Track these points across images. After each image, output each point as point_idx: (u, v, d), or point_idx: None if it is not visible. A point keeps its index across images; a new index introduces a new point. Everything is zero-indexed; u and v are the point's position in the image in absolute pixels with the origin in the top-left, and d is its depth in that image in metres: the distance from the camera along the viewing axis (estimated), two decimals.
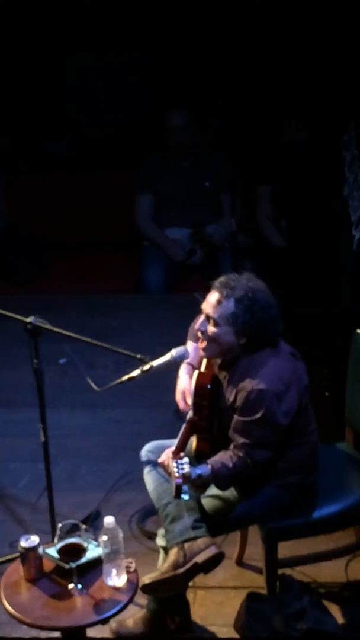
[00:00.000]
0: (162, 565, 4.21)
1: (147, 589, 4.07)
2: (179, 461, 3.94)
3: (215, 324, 4.05)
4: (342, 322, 5.42)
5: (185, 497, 3.93)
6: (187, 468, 3.91)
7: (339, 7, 6.74)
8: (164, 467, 4.13)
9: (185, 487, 3.91)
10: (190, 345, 4.36)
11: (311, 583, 4.52)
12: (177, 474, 3.90)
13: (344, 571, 4.59)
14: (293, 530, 4.28)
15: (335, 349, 5.29)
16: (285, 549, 4.35)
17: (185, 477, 3.90)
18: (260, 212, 6.82)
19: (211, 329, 4.07)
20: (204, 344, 4.12)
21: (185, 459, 3.95)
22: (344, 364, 4.64)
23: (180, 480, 3.89)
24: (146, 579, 4.07)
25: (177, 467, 3.92)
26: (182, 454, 4.03)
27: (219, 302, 4.04)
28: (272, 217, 6.78)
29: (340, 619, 4.30)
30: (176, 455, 4.03)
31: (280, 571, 4.31)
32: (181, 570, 4.02)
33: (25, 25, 7.28)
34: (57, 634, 3.93)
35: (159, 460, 4.16)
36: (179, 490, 3.91)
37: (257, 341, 4.05)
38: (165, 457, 4.11)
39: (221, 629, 4.33)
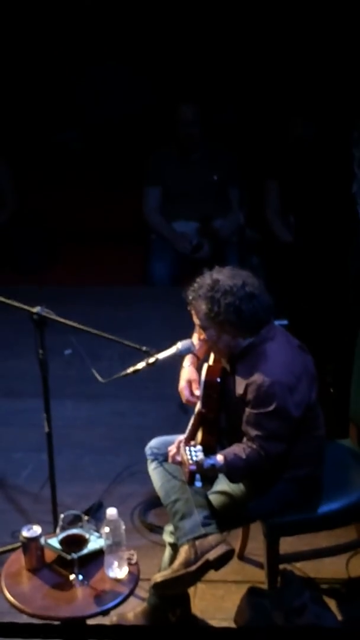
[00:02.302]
0: (167, 561, 4.23)
1: (159, 587, 4.08)
2: (192, 448, 3.93)
3: (204, 329, 4.09)
4: (347, 318, 5.41)
5: (199, 484, 3.91)
6: (200, 455, 3.90)
7: (348, 3, 6.73)
8: (174, 458, 4.12)
9: (198, 475, 3.90)
10: (195, 339, 4.37)
11: (312, 579, 4.52)
12: (190, 461, 3.89)
13: (345, 568, 4.59)
14: (295, 526, 4.28)
15: (340, 345, 5.29)
16: (287, 545, 4.34)
17: (199, 464, 3.89)
18: (268, 207, 6.80)
19: (203, 335, 4.13)
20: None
21: (199, 447, 3.95)
22: (348, 360, 4.64)
23: (194, 467, 3.88)
24: (158, 577, 4.08)
25: (191, 454, 3.90)
26: (193, 442, 4.03)
27: (193, 307, 4.09)
28: (280, 213, 6.76)
29: (340, 616, 4.30)
30: (187, 443, 4.04)
31: (281, 566, 4.31)
32: (193, 567, 4.02)
33: (36, 20, 7.29)
34: None
35: (170, 448, 4.16)
36: (192, 477, 3.89)
37: (243, 326, 4.04)
38: (176, 445, 4.11)
39: (221, 623, 4.32)
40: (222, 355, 4.18)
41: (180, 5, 7.20)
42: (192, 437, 4.12)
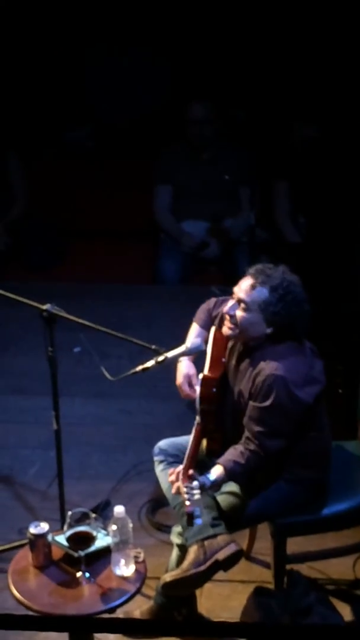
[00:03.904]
0: (175, 562, 4.22)
1: (168, 587, 4.07)
2: (190, 486, 3.90)
3: (246, 309, 4.03)
4: (357, 319, 5.41)
5: (199, 521, 3.88)
6: (197, 495, 3.87)
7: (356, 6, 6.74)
8: (174, 485, 4.11)
9: (198, 512, 3.86)
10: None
11: (318, 579, 4.51)
12: (187, 502, 3.86)
13: (352, 569, 4.59)
14: (302, 527, 4.28)
15: (349, 346, 5.29)
16: (294, 545, 4.35)
17: (197, 502, 3.88)
18: (278, 208, 6.79)
19: (240, 313, 4.04)
20: (230, 326, 4.10)
21: (195, 483, 3.91)
22: (358, 361, 4.63)
23: (191, 509, 3.85)
24: (167, 577, 4.07)
25: (189, 495, 3.87)
26: (191, 472, 3.97)
27: (252, 287, 4.02)
28: (289, 213, 6.75)
29: (347, 616, 4.30)
30: (186, 473, 3.98)
31: (288, 567, 4.31)
32: (202, 567, 4.01)
33: (48, 15, 7.29)
34: None
35: (169, 477, 4.14)
36: (191, 518, 3.86)
37: (284, 333, 4.04)
38: (176, 476, 4.06)
39: None
40: (240, 339, 4.13)
41: (193, 5, 7.20)
42: (190, 465, 4.03)
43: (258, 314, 4.01)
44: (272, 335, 4.04)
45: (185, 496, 3.88)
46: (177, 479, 4.04)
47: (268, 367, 3.99)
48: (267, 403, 3.98)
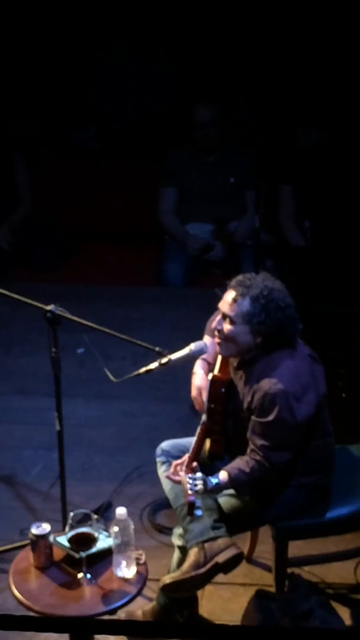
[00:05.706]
0: (176, 564, 4.22)
1: (168, 588, 4.07)
2: (193, 476, 3.91)
3: (232, 322, 4.03)
4: None
5: (199, 512, 3.90)
6: (200, 485, 3.89)
7: None
8: (175, 475, 4.12)
9: (199, 503, 3.88)
10: (207, 340, 4.36)
11: (319, 583, 4.51)
12: (189, 492, 3.88)
13: (353, 573, 4.58)
14: (304, 530, 4.27)
15: (353, 350, 5.28)
16: (295, 548, 4.35)
17: (199, 493, 3.89)
18: (282, 212, 6.79)
19: (227, 327, 4.05)
20: (220, 342, 4.12)
21: (199, 474, 3.93)
22: None
23: (193, 498, 3.87)
24: (167, 578, 4.07)
25: (191, 485, 3.89)
26: (194, 464, 4.00)
27: (234, 300, 4.02)
28: (294, 217, 6.75)
29: (347, 620, 4.29)
30: (190, 464, 4.01)
31: (289, 570, 4.30)
32: (202, 570, 4.01)
33: (56, 16, 7.30)
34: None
35: (171, 471, 4.15)
36: (192, 508, 3.88)
37: (274, 341, 4.03)
38: (179, 466, 4.09)
39: None
40: (233, 354, 4.15)
41: (198, 9, 7.21)
42: (194, 457, 4.08)
43: (244, 326, 4.01)
44: (264, 345, 4.04)
45: (187, 486, 3.89)
46: (180, 470, 4.07)
47: (266, 383, 3.97)
48: (270, 418, 3.97)
